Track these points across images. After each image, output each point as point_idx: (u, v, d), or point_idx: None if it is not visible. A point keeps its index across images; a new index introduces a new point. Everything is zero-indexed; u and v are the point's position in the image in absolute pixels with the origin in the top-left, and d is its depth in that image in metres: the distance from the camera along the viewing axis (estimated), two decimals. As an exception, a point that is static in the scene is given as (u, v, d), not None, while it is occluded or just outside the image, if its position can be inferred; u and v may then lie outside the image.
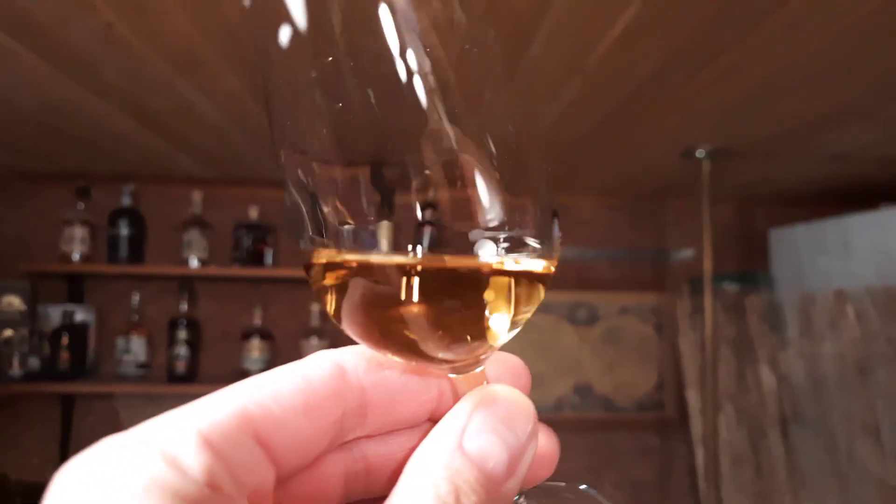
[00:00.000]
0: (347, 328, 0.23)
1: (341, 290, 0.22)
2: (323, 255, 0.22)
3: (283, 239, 2.20)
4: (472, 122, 0.22)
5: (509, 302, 0.23)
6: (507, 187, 0.22)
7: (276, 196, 2.23)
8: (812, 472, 1.87)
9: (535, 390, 2.27)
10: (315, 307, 2.13)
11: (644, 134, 1.61)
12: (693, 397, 2.05)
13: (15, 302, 2.00)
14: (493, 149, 0.22)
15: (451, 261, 0.22)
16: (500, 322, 0.23)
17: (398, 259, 0.21)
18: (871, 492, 1.70)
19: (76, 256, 2.03)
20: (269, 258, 2.15)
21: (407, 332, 0.22)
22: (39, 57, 1.16)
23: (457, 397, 0.24)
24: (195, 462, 0.17)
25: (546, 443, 0.26)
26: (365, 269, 0.22)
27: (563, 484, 0.29)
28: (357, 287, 0.22)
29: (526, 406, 0.23)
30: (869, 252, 1.83)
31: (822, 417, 1.84)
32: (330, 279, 0.23)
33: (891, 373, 1.69)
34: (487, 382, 0.24)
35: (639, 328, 2.33)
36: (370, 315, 0.23)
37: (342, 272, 0.22)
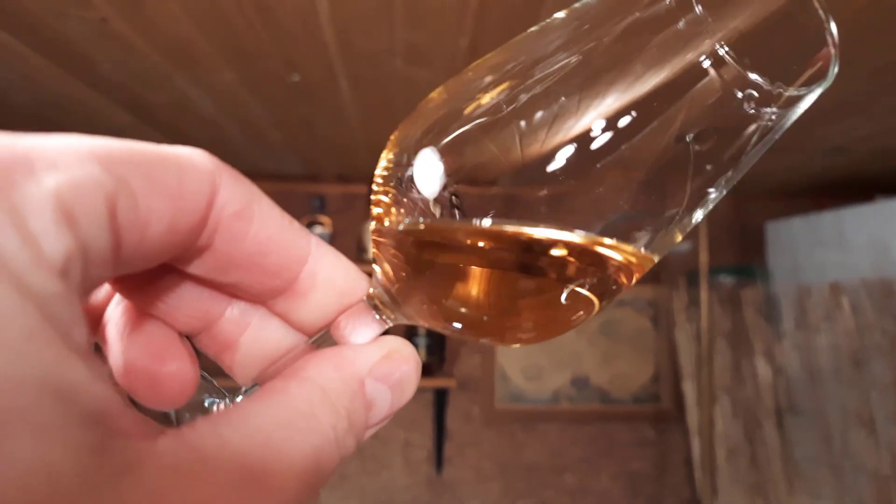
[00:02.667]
0: (406, 286, 0.23)
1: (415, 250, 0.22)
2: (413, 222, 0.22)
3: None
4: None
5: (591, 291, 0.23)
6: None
7: (271, 190, 2.22)
8: (807, 463, 1.88)
9: (533, 383, 2.29)
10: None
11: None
12: (689, 389, 2.06)
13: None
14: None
15: (519, 230, 0.21)
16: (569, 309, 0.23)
17: (470, 225, 0.21)
18: (865, 482, 1.72)
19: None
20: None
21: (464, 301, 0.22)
22: (34, 51, 1.16)
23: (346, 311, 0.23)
24: (54, 242, 0.13)
25: None
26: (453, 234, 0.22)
27: None
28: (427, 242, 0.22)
29: (418, 373, 0.22)
30: (865, 244, 1.83)
31: (818, 409, 1.86)
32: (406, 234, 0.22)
33: (885, 365, 1.70)
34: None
35: (635, 320, 2.34)
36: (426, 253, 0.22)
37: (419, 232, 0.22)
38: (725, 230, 2.34)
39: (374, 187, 0.24)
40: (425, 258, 0.23)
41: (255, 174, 2.16)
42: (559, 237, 0.21)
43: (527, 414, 2.26)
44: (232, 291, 0.23)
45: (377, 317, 0.24)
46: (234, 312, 0.24)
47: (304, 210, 2.15)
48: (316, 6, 0.98)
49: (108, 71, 1.25)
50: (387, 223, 0.23)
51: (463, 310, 0.23)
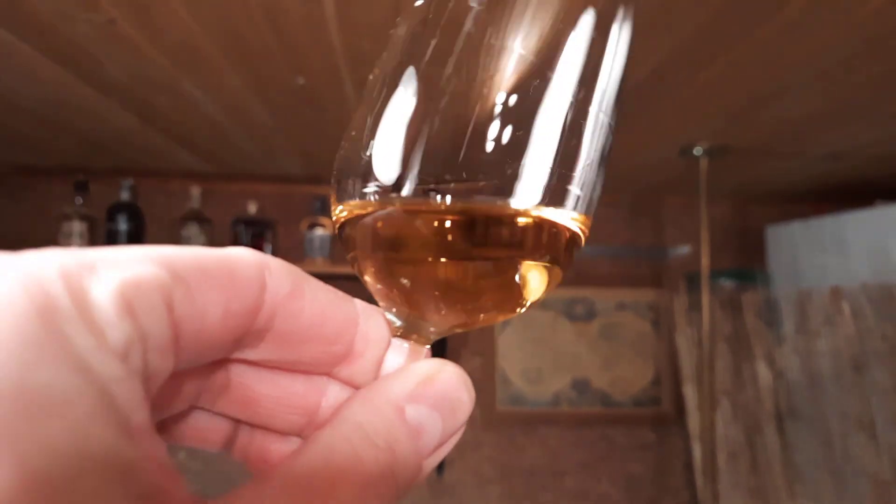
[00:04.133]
0: (363, 263, 0.23)
1: (361, 227, 0.23)
2: (356, 203, 0.23)
3: (282, 234, 2.20)
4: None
5: (535, 251, 0.23)
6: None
7: (274, 191, 2.23)
8: (807, 468, 1.89)
9: (533, 386, 2.29)
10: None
11: (642, 131, 1.62)
12: (690, 393, 2.07)
13: (13, 296, 2.00)
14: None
15: (474, 205, 0.22)
16: (532, 277, 0.23)
17: (422, 203, 0.22)
18: (865, 487, 1.72)
19: (75, 251, 2.02)
20: (268, 253, 2.15)
21: (431, 273, 0.22)
22: (41, 52, 1.16)
23: (378, 362, 0.24)
24: (116, 328, 0.15)
25: None
26: (391, 209, 0.22)
27: None
28: (381, 225, 0.23)
29: (472, 395, 0.22)
30: (865, 249, 1.84)
31: (818, 413, 1.86)
32: (358, 220, 0.23)
33: (886, 370, 1.70)
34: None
35: (636, 324, 2.34)
36: (388, 254, 0.23)
37: (371, 215, 0.23)
38: (726, 235, 2.34)
39: (334, 212, 0.24)
40: (394, 257, 0.23)
41: (258, 176, 2.17)
42: (498, 210, 0.22)
43: (527, 417, 2.26)
44: (301, 368, 0.24)
45: (405, 343, 0.24)
46: (309, 386, 0.25)
47: (305, 211, 2.15)
48: (324, 11, 0.98)
49: (114, 73, 1.26)
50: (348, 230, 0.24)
51: (447, 296, 0.23)
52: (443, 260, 0.22)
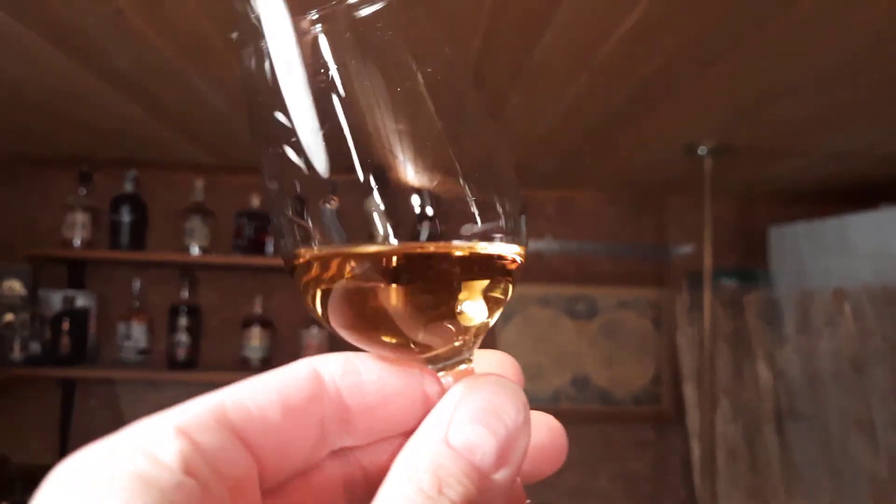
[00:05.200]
0: (330, 320, 0.24)
1: (319, 283, 0.23)
2: (303, 254, 0.23)
3: (285, 228, 2.20)
4: (432, 135, 0.23)
5: (479, 282, 0.24)
6: (475, 188, 0.23)
7: (278, 185, 2.22)
8: (806, 468, 1.89)
9: (533, 382, 2.29)
10: (316, 296, 2.14)
11: (648, 130, 1.62)
12: (690, 392, 2.07)
13: (16, 286, 2.00)
14: (460, 158, 0.23)
15: (420, 245, 0.22)
16: (472, 304, 0.24)
17: (370, 248, 0.22)
18: (863, 487, 1.73)
19: (77, 242, 2.03)
20: (270, 246, 2.15)
21: (381, 316, 0.23)
22: (49, 42, 1.16)
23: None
24: (170, 453, 0.18)
25: (548, 436, 0.25)
26: (339, 259, 0.23)
27: None
28: (333, 277, 0.23)
29: (514, 392, 0.22)
30: (868, 251, 1.84)
31: (818, 414, 1.87)
32: (310, 275, 0.24)
33: (886, 371, 1.70)
34: None
35: (637, 322, 2.34)
36: (347, 304, 0.23)
37: (319, 266, 0.23)
38: (729, 234, 2.34)
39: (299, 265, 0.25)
40: (359, 300, 0.24)
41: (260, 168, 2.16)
42: (445, 248, 0.23)
43: (527, 413, 2.27)
44: (396, 431, 0.25)
45: (448, 377, 0.25)
46: None
47: (309, 206, 2.15)
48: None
49: (120, 64, 1.26)
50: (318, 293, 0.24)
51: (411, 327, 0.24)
52: (405, 293, 0.23)
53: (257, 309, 2.13)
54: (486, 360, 0.26)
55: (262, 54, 0.23)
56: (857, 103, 1.37)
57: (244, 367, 2.09)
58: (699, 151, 1.71)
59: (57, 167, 2.15)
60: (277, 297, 2.21)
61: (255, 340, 2.11)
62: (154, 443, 0.18)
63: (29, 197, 2.17)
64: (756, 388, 1.99)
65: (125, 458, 0.18)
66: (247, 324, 2.12)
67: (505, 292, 0.25)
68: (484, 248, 0.23)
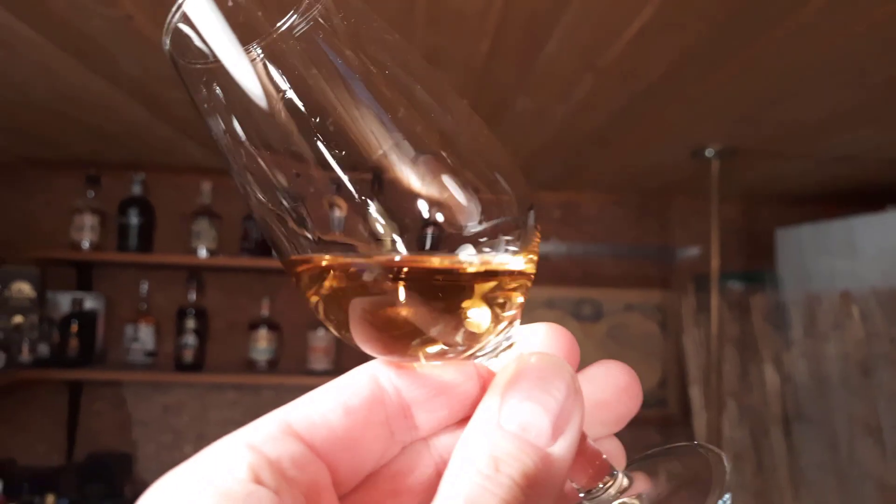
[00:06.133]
0: (353, 338, 0.24)
1: (327, 296, 0.23)
2: (304, 263, 0.23)
3: (292, 230, 2.21)
4: (427, 135, 0.23)
5: (489, 298, 0.23)
6: (477, 187, 0.23)
7: (284, 188, 2.23)
8: (813, 471, 1.88)
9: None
10: (322, 299, 2.14)
11: (654, 132, 1.62)
12: (696, 395, 2.06)
13: (25, 288, 2.01)
14: (454, 155, 0.23)
15: (427, 259, 0.22)
16: (480, 311, 0.23)
17: (377, 258, 0.22)
18: (871, 492, 1.72)
19: (86, 244, 2.04)
20: (277, 249, 2.16)
21: (401, 331, 0.23)
22: (57, 47, 1.17)
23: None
24: (241, 465, 0.20)
25: (620, 377, 0.27)
26: (344, 271, 0.22)
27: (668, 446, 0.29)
28: (339, 290, 0.23)
29: (558, 365, 0.22)
30: (875, 253, 1.83)
31: (825, 417, 1.86)
32: (315, 286, 0.23)
33: (894, 374, 1.70)
34: None
35: (643, 325, 2.34)
36: (355, 316, 0.23)
37: (325, 277, 0.23)
38: (736, 236, 2.34)
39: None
40: (370, 322, 0.23)
41: (268, 172, 2.17)
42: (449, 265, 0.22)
43: (533, 416, 2.26)
44: (460, 418, 0.25)
45: (487, 363, 0.25)
46: None
47: (315, 209, 2.16)
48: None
49: (128, 68, 1.27)
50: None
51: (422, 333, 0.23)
52: (404, 311, 0.23)
53: (264, 311, 2.13)
54: (532, 334, 0.26)
55: (216, 81, 0.23)
56: (864, 106, 1.36)
57: (251, 370, 2.10)
58: (706, 153, 1.71)
59: (65, 170, 2.16)
60: (284, 300, 2.22)
61: (262, 342, 2.11)
62: (228, 458, 0.20)
63: (37, 199, 2.18)
64: (763, 392, 1.99)
65: (206, 475, 0.20)
66: (253, 326, 2.13)
67: (522, 290, 0.25)
68: (493, 257, 0.23)
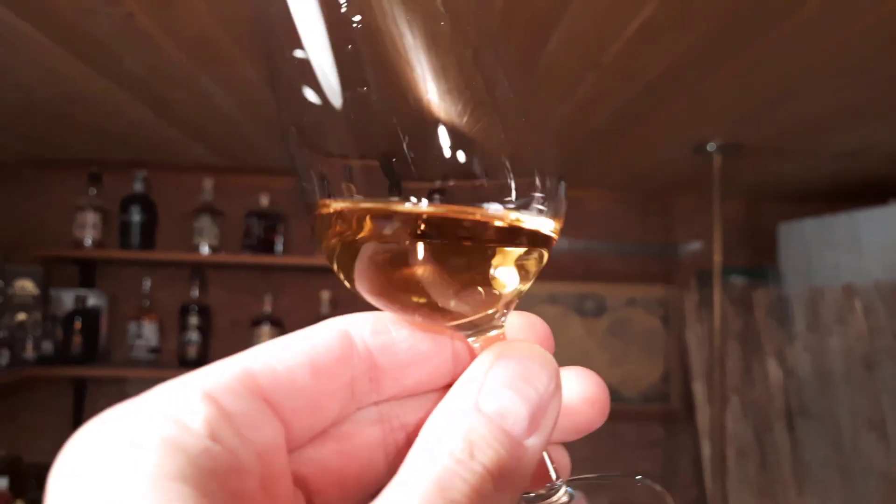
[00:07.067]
0: (357, 283, 0.23)
1: (343, 240, 0.22)
2: (329, 205, 0.22)
3: (294, 227, 2.21)
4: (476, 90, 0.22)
5: (515, 250, 0.23)
6: (513, 155, 0.22)
7: (287, 184, 2.23)
8: (817, 466, 1.89)
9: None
10: (325, 295, 2.14)
11: (656, 128, 1.61)
12: (699, 390, 2.07)
13: (28, 286, 2.02)
14: (500, 121, 0.22)
15: (455, 209, 0.21)
16: (505, 271, 0.23)
17: (402, 206, 0.21)
18: (874, 486, 1.72)
19: (88, 242, 2.04)
20: (279, 246, 2.16)
21: (413, 281, 0.22)
22: (60, 46, 1.17)
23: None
24: (196, 416, 0.18)
25: (589, 387, 0.25)
26: (366, 215, 0.22)
27: (616, 475, 0.29)
28: (359, 236, 0.22)
29: (544, 358, 0.22)
30: (878, 247, 1.83)
31: (828, 412, 1.86)
32: (333, 230, 0.22)
33: (897, 369, 1.70)
34: None
35: (646, 320, 2.34)
36: (376, 266, 0.22)
37: (344, 221, 0.22)
38: (738, 232, 2.34)
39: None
40: (381, 271, 0.23)
41: (270, 169, 2.17)
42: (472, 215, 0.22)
43: (536, 411, 2.27)
44: (425, 389, 0.25)
45: (475, 343, 0.24)
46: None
47: (317, 205, 2.16)
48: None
49: (131, 67, 1.27)
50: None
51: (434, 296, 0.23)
52: (423, 262, 0.22)
53: (267, 308, 2.14)
54: (516, 323, 0.26)
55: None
56: (868, 103, 1.36)
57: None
58: (708, 148, 1.71)
59: (67, 169, 2.16)
60: (287, 296, 2.22)
61: (265, 339, 2.09)
62: (181, 407, 0.18)
63: (40, 198, 2.19)
64: (766, 387, 1.99)
65: (153, 422, 0.18)
66: (256, 322, 2.13)
67: (540, 261, 0.24)
68: (522, 215, 0.22)
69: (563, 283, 2.31)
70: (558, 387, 0.21)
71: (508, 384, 0.21)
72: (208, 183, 2.12)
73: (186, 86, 1.37)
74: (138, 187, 2.10)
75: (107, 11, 1.02)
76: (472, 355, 0.24)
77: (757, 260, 2.30)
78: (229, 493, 0.17)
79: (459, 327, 0.24)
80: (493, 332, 0.24)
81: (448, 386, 0.24)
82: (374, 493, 0.22)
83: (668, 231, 2.38)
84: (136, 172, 2.10)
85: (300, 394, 0.21)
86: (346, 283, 0.24)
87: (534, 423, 0.20)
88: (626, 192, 2.37)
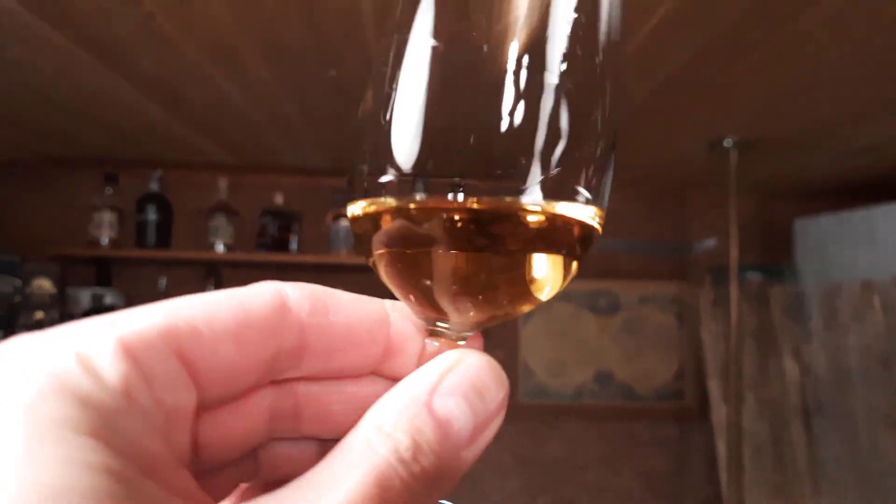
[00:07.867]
0: (381, 266, 0.23)
1: (379, 230, 0.23)
2: (367, 202, 0.23)
3: (308, 226, 2.22)
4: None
5: (548, 249, 0.23)
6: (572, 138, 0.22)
7: (301, 183, 2.24)
8: (833, 464, 1.87)
9: (556, 378, 2.29)
10: (339, 294, 2.15)
11: (673, 124, 1.61)
12: (715, 387, 2.06)
13: (45, 285, 2.04)
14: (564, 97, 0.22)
15: (488, 202, 0.21)
16: (543, 271, 0.23)
17: (435, 201, 0.21)
18: (892, 484, 1.71)
19: (105, 241, 2.06)
20: (293, 245, 2.17)
21: (429, 276, 0.22)
22: (77, 45, 1.18)
23: (422, 359, 0.24)
24: (112, 368, 0.17)
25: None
26: (405, 209, 0.22)
27: None
28: (395, 226, 0.22)
29: (500, 377, 0.22)
30: (895, 243, 1.81)
31: (845, 410, 1.85)
32: (370, 219, 0.23)
33: (916, 366, 1.68)
34: None
35: (659, 318, 2.33)
36: (405, 259, 0.22)
37: (382, 213, 0.23)
38: (753, 228, 2.32)
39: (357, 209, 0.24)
40: (407, 258, 0.23)
41: (285, 168, 2.18)
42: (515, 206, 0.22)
43: (549, 409, 2.27)
44: (348, 374, 0.25)
45: (435, 343, 0.24)
46: (363, 389, 0.25)
47: (331, 203, 2.16)
48: (360, 6, 0.99)
49: (148, 67, 1.27)
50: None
51: (463, 295, 0.23)
52: (456, 258, 0.22)
53: (281, 306, 2.14)
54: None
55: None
56: (884, 97, 1.35)
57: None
58: (725, 144, 1.70)
59: (83, 168, 2.18)
60: (301, 295, 2.22)
61: (280, 337, 2.12)
62: (93, 350, 0.17)
63: (57, 197, 2.21)
64: (782, 384, 1.98)
65: (56, 360, 0.16)
66: (271, 321, 2.14)
67: (567, 274, 0.24)
68: (568, 211, 0.22)
69: (576, 280, 2.30)
70: (504, 405, 0.22)
71: (463, 391, 0.21)
72: (223, 182, 2.13)
73: (202, 85, 1.38)
74: (154, 187, 2.11)
75: (125, 12, 1.03)
76: (422, 354, 0.24)
77: (772, 256, 2.29)
78: (137, 453, 0.16)
79: (442, 322, 0.24)
80: (460, 342, 0.24)
81: (371, 375, 0.25)
82: (253, 448, 0.23)
83: (682, 228, 2.37)
84: (151, 172, 2.11)
85: (221, 363, 0.20)
86: (366, 260, 0.24)
87: (474, 435, 0.20)
88: (640, 188, 2.36)
